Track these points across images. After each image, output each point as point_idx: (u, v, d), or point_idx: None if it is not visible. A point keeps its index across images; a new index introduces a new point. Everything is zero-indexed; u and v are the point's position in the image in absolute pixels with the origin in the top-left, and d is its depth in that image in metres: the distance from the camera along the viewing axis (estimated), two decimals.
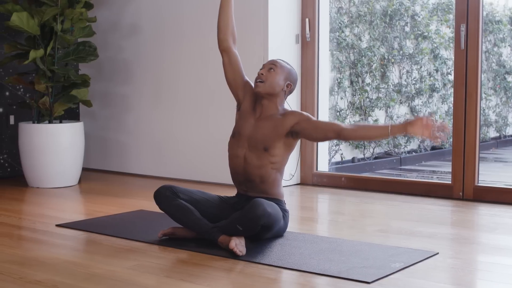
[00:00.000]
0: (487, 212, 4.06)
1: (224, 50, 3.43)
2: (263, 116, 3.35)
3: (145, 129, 5.60)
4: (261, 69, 3.38)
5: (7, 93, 5.43)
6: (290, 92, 3.43)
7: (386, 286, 2.60)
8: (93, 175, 5.62)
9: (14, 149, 5.48)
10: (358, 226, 3.71)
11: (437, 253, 3.06)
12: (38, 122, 5.09)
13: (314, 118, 3.38)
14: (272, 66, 3.34)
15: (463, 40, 4.38)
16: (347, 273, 2.74)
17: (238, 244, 3.02)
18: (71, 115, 5.87)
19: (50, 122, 5.08)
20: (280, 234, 3.35)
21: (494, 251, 3.14)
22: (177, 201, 3.24)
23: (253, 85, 3.41)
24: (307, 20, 4.98)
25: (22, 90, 5.52)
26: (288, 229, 3.48)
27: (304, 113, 3.35)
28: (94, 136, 5.86)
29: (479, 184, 4.40)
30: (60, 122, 5.18)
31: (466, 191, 4.41)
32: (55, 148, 5.00)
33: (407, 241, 3.32)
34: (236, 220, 3.09)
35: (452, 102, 4.56)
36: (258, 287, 2.60)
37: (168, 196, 3.26)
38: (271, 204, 3.16)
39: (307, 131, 3.28)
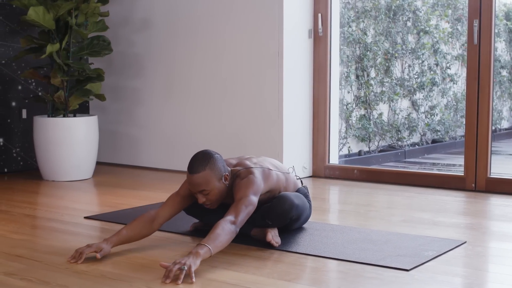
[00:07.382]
0: (501, 203, 4.17)
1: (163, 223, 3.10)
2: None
3: (157, 122, 5.65)
4: (197, 196, 2.99)
5: (20, 87, 5.45)
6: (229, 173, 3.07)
7: (424, 273, 2.68)
8: (104, 169, 5.66)
9: (27, 142, 5.50)
10: (381, 217, 3.79)
11: (465, 242, 3.16)
12: (53, 116, 5.12)
13: (246, 189, 2.97)
14: (202, 190, 2.94)
15: (476, 35, 4.49)
16: (385, 261, 2.82)
17: (274, 236, 3.09)
18: (82, 109, 5.90)
19: (64, 116, 5.11)
20: (306, 220, 3.43)
21: None
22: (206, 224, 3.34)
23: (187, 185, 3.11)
24: (319, 15, 5.06)
25: (34, 84, 5.54)
26: (313, 220, 3.57)
27: (244, 182, 3.00)
28: (105, 130, 5.89)
29: (491, 176, 4.52)
30: (74, 116, 5.22)
31: (478, 182, 4.52)
32: (70, 142, 5.04)
33: (431, 230, 3.42)
34: (264, 215, 3.13)
35: (465, 96, 4.67)
36: (302, 276, 2.69)
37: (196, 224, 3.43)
38: (297, 195, 3.23)
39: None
